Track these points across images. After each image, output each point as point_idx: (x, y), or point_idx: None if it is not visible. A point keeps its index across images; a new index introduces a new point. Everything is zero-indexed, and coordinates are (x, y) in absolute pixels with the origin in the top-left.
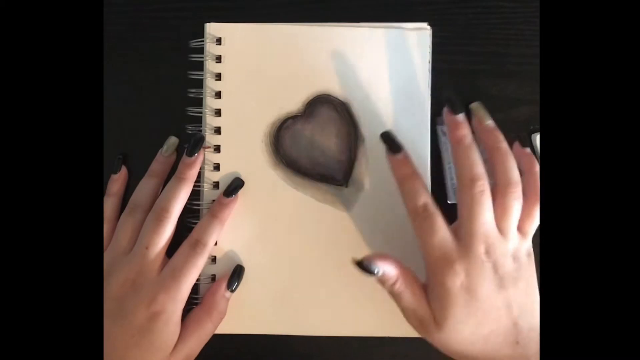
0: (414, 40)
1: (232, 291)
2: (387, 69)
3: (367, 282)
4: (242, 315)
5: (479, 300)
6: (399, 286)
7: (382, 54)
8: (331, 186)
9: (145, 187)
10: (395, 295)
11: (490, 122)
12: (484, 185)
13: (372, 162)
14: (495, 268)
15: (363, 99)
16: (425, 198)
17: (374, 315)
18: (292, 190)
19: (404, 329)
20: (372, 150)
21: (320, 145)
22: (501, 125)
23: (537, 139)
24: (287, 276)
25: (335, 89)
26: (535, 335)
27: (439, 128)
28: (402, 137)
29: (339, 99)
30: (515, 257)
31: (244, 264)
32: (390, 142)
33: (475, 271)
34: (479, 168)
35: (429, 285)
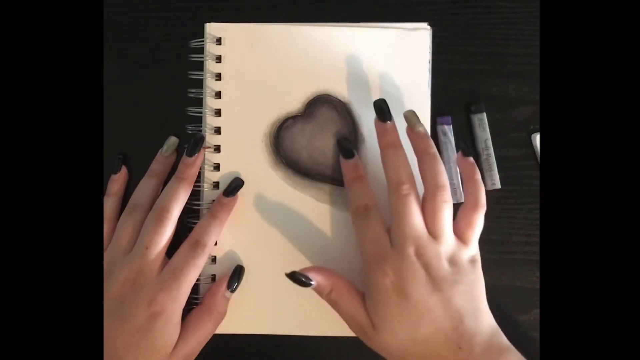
0: (414, 40)
1: (232, 291)
2: (387, 69)
3: None
4: (242, 315)
5: (411, 301)
6: (335, 295)
7: (382, 54)
8: (331, 186)
9: (145, 187)
10: (332, 304)
11: (421, 129)
12: (409, 189)
13: (372, 162)
14: (428, 269)
15: (363, 99)
16: (366, 200)
17: None
18: (292, 190)
19: None
20: (372, 150)
21: (320, 145)
22: (501, 125)
23: (537, 139)
24: None
25: (335, 89)
26: (479, 341)
27: (439, 128)
28: (401, 137)
29: (339, 99)
30: (453, 261)
31: (244, 264)
32: (344, 148)
33: (405, 271)
34: (405, 172)
35: (366, 289)
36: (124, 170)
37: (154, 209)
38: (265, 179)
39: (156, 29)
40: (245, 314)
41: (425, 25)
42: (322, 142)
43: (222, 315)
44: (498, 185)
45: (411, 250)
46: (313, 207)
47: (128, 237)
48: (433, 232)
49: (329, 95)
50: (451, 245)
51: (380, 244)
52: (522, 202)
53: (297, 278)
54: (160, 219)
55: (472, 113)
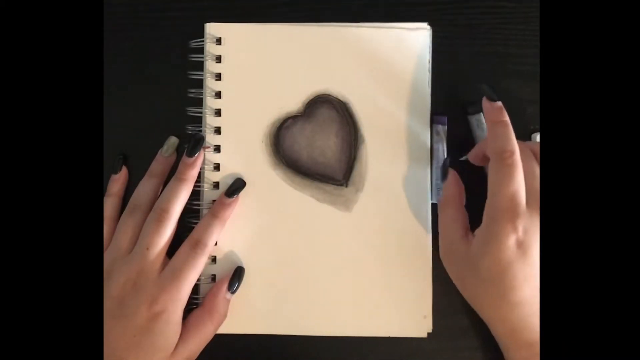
0: (414, 40)
1: (233, 293)
2: (387, 69)
3: (367, 283)
4: (242, 315)
5: (528, 259)
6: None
7: (382, 54)
8: (331, 186)
9: (145, 187)
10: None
11: (499, 103)
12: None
13: (372, 162)
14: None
15: (363, 99)
16: (514, 146)
17: (374, 315)
18: (292, 190)
19: (403, 329)
20: (372, 150)
21: (320, 145)
22: None
23: (537, 138)
24: (287, 276)
25: (335, 89)
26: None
27: (434, 127)
28: (402, 136)
29: (339, 99)
30: None
31: (244, 264)
32: (489, 93)
33: (535, 231)
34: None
35: (481, 229)
36: (124, 171)
37: (154, 209)
38: (265, 179)
39: (156, 29)
40: (245, 314)
41: (425, 25)
42: (322, 142)
43: (223, 316)
44: None
45: (539, 210)
46: (313, 207)
47: (128, 238)
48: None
49: (329, 95)
50: None
51: (518, 199)
52: None
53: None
54: (160, 220)
55: (469, 114)
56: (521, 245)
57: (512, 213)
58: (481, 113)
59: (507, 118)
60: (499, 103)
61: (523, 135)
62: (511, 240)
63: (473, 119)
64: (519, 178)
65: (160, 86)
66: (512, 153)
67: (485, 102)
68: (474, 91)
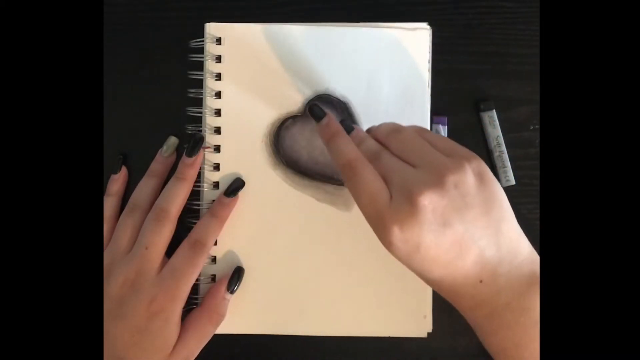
0: (414, 40)
1: (232, 293)
2: (387, 69)
3: (367, 282)
4: (242, 315)
5: (422, 251)
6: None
7: (382, 54)
8: (331, 186)
9: (145, 187)
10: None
11: (324, 120)
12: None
13: None
14: (433, 212)
15: (363, 99)
16: (348, 155)
17: (374, 315)
18: (292, 190)
19: (403, 329)
20: None
21: (320, 145)
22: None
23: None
24: (287, 276)
25: (335, 89)
26: (504, 270)
27: (433, 127)
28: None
29: (339, 99)
30: (457, 185)
31: (244, 264)
32: (316, 113)
33: (409, 220)
34: None
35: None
36: (124, 170)
37: (154, 209)
38: (265, 179)
39: (156, 29)
40: (245, 314)
41: (425, 25)
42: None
43: (222, 317)
44: (512, 182)
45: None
46: (313, 207)
47: (127, 237)
48: (412, 163)
49: (329, 95)
50: (442, 168)
51: (378, 199)
52: (522, 201)
53: None
54: (159, 219)
55: (481, 111)
56: (407, 240)
57: (381, 218)
58: (494, 110)
59: (335, 130)
60: (325, 120)
61: (523, 135)
62: (396, 241)
63: (485, 116)
64: (367, 181)
65: (160, 86)
66: (347, 164)
67: (316, 125)
68: (474, 91)
